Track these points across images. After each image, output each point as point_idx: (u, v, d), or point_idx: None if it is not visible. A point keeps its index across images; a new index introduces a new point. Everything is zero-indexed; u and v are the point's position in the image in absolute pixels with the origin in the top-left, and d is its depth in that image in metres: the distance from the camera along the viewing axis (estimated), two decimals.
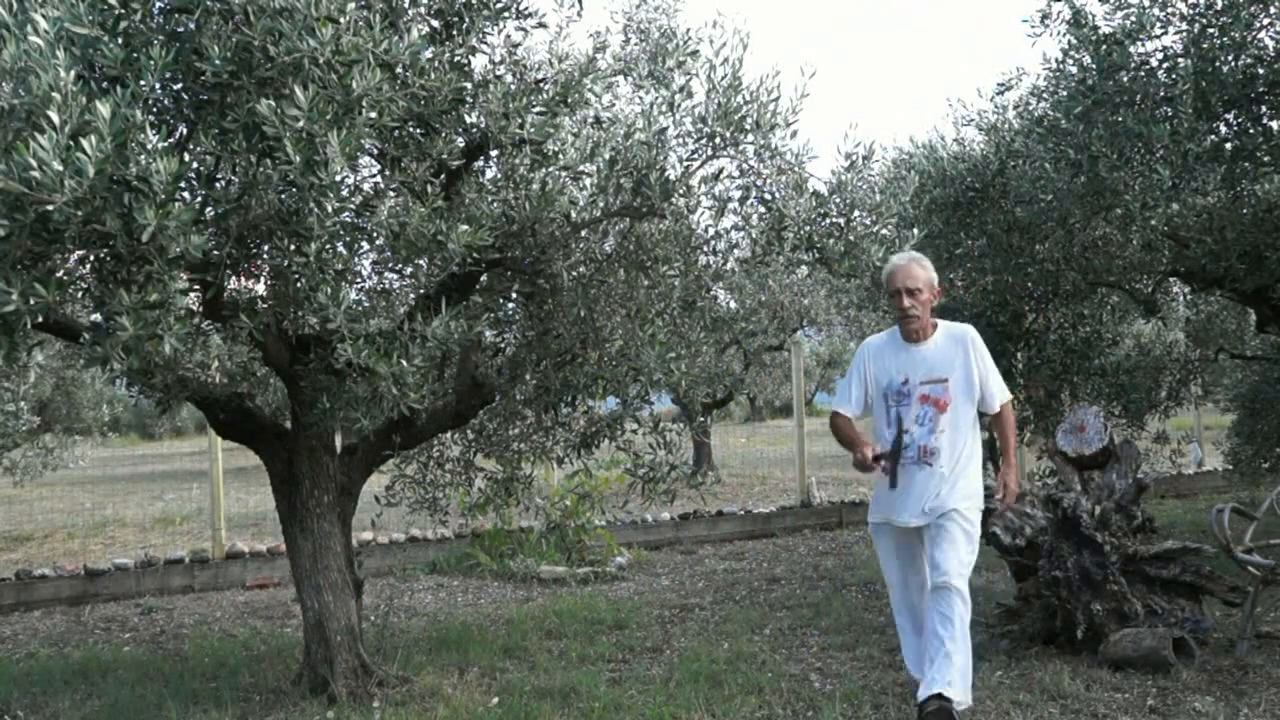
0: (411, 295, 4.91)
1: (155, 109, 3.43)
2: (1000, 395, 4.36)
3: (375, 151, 3.89)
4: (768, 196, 4.62)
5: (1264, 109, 5.58)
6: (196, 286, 3.78)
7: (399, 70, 3.52)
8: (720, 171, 4.62)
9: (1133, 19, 5.50)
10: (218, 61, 3.19)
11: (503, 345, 5.10)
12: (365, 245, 3.96)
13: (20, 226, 2.96)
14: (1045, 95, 6.62)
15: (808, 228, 4.55)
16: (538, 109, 3.94)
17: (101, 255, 3.47)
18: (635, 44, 4.67)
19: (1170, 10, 5.53)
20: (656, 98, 4.42)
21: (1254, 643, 4.90)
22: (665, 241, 4.75)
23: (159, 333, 3.14)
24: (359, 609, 4.86)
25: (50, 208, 2.80)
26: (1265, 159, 5.66)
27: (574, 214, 4.38)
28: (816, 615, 6.11)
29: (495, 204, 4.10)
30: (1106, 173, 5.38)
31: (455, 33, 3.89)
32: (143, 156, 2.96)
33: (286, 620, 6.55)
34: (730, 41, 4.29)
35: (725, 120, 4.30)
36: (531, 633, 5.82)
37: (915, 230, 4.84)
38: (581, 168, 4.23)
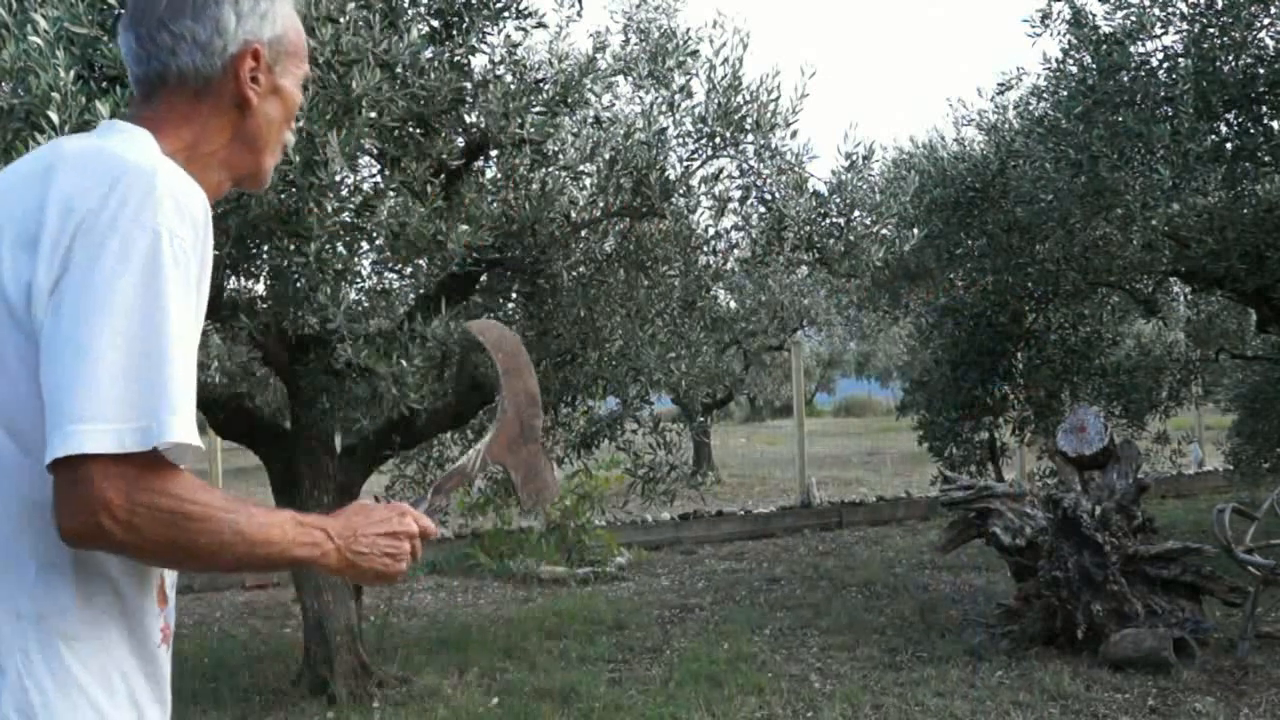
0: (411, 295, 4.91)
1: None
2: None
3: (375, 151, 3.89)
4: (768, 196, 4.62)
5: (1264, 109, 5.58)
6: None
7: (399, 70, 3.52)
8: (720, 171, 4.62)
9: (1133, 19, 5.50)
10: None
11: None
12: (365, 245, 3.96)
13: None
14: (1045, 95, 6.61)
15: (808, 228, 4.55)
16: (538, 109, 3.94)
17: None
18: (635, 44, 4.67)
19: (1170, 10, 5.53)
20: (656, 98, 4.42)
21: (1254, 643, 4.89)
22: (665, 241, 4.75)
23: None
24: (359, 609, 4.86)
25: None
26: (1266, 159, 5.66)
27: (574, 214, 4.38)
28: (816, 615, 6.10)
29: (495, 204, 4.10)
30: (1107, 173, 5.37)
31: (455, 33, 3.89)
32: None
33: (286, 620, 6.55)
34: (730, 41, 4.29)
35: (725, 120, 4.30)
36: (531, 633, 5.82)
37: (915, 230, 4.85)
38: (581, 168, 4.23)
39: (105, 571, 1.20)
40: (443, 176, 4.03)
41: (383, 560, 1.32)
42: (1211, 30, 5.36)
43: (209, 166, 1.34)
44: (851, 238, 4.64)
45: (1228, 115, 5.66)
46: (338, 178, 3.27)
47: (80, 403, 1.09)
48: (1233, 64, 5.33)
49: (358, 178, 4.04)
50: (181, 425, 1.12)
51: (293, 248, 3.48)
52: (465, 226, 3.66)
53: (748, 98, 4.29)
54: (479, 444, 1.58)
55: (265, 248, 3.87)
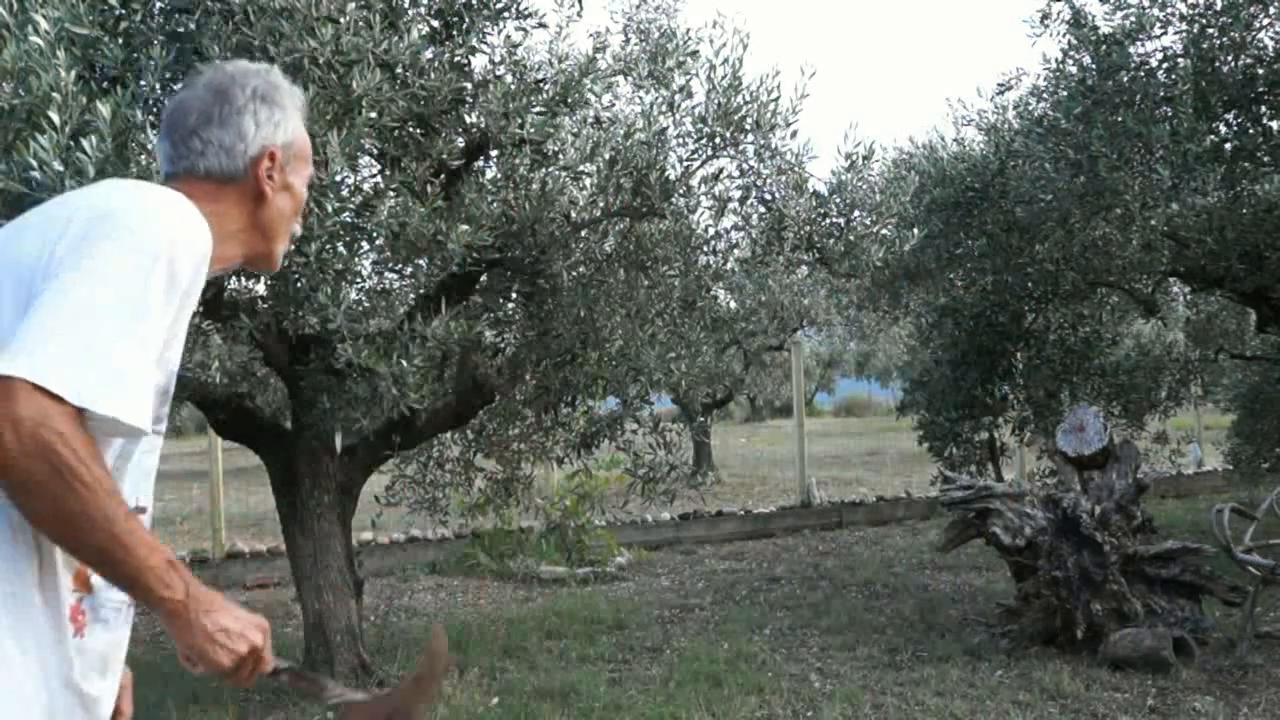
0: (411, 295, 4.91)
1: (155, 109, 3.43)
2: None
3: (375, 151, 3.90)
4: (768, 196, 4.63)
5: (1264, 109, 5.59)
6: None
7: (399, 70, 3.52)
8: (720, 171, 4.62)
9: (1133, 19, 5.51)
10: (218, 62, 3.19)
11: (503, 345, 5.11)
12: (365, 245, 3.96)
13: None
14: (1045, 95, 6.62)
15: (808, 228, 4.56)
16: (538, 109, 3.95)
17: None
18: (635, 44, 4.67)
19: (1170, 10, 5.54)
20: (656, 98, 4.42)
21: (1254, 643, 4.89)
22: (665, 241, 4.75)
23: None
24: (359, 609, 4.86)
25: None
26: (1265, 159, 5.66)
27: (574, 214, 4.38)
28: (816, 615, 6.11)
29: (495, 204, 4.10)
30: (1106, 173, 5.38)
31: (455, 33, 3.89)
32: (143, 156, 2.96)
33: (286, 620, 6.55)
34: (730, 41, 4.29)
35: (725, 120, 4.30)
36: (531, 633, 5.82)
37: (915, 230, 4.85)
38: (581, 168, 4.23)
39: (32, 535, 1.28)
40: (443, 176, 4.03)
41: (216, 645, 1.37)
42: (1211, 30, 5.37)
43: (226, 239, 1.53)
44: (851, 238, 4.65)
45: (1227, 115, 5.67)
46: (338, 178, 3.27)
47: (37, 338, 1.20)
48: (1232, 64, 5.33)
49: (358, 178, 4.04)
50: (122, 403, 1.23)
51: (293, 248, 3.48)
52: (465, 226, 3.66)
53: (748, 98, 4.29)
54: (352, 693, 1.59)
55: None
